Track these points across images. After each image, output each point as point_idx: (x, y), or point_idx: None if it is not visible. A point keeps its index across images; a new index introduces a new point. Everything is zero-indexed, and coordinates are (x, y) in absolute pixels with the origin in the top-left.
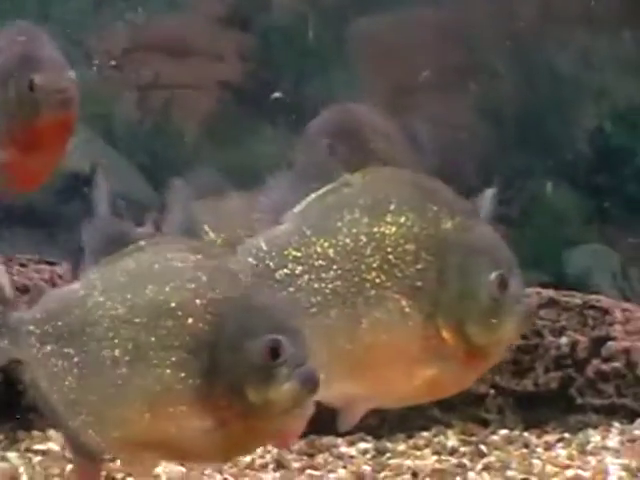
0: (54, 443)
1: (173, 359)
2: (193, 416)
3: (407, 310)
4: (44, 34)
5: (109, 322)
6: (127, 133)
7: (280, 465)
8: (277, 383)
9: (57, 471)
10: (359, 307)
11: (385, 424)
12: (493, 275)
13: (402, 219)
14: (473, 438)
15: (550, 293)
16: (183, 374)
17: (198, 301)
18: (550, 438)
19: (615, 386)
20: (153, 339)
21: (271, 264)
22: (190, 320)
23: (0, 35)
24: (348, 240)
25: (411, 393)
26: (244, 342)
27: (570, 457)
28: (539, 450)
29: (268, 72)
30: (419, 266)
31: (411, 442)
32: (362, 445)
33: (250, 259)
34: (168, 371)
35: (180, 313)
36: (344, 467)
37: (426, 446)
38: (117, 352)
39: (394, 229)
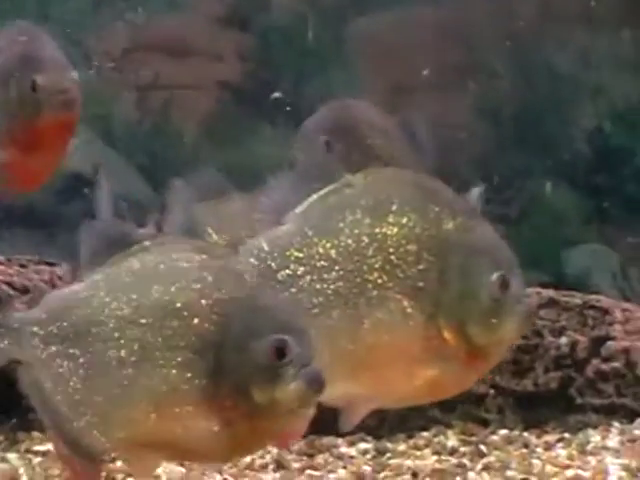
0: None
1: (179, 359)
2: (199, 416)
3: (409, 310)
4: (45, 34)
5: (115, 322)
6: (126, 133)
7: (280, 465)
8: (283, 383)
9: (57, 472)
10: (361, 308)
11: (385, 424)
12: (495, 276)
13: (404, 220)
14: (473, 438)
15: (550, 293)
16: (189, 374)
17: (204, 301)
18: (550, 438)
19: (615, 386)
20: (159, 339)
21: (273, 265)
22: (196, 320)
23: (1, 35)
24: (350, 241)
25: (413, 393)
26: (250, 342)
27: (570, 457)
28: (539, 450)
29: (267, 72)
30: (421, 267)
31: (411, 442)
32: (362, 445)
33: (252, 260)
34: (174, 371)
35: (186, 313)
36: (344, 467)
37: (426, 446)
38: (123, 352)
39: (396, 230)
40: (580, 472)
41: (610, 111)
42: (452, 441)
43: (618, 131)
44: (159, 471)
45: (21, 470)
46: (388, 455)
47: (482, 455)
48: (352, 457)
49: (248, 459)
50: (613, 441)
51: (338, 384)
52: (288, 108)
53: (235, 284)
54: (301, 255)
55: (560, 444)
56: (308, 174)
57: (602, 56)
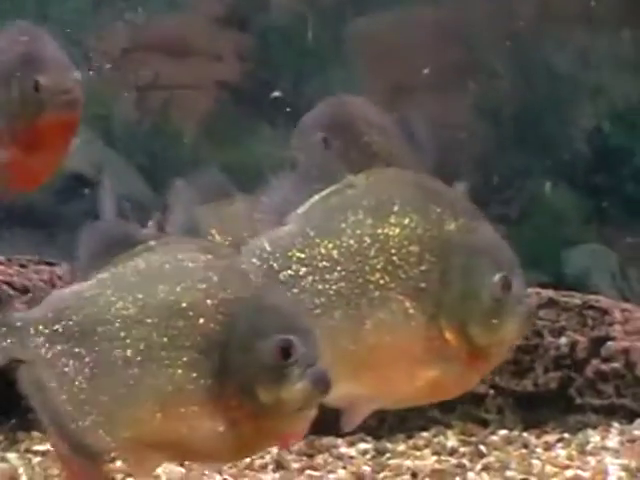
0: None
1: (184, 359)
2: (204, 416)
3: (411, 311)
4: (46, 34)
5: (120, 322)
6: (126, 133)
7: (280, 466)
8: (288, 383)
9: (56, 472)
10: (363, 308)
11: (385, 424)
12: (497, 277)
13: (406, 220)
14: (473, 438)
15: (549, 293)
16: (194, 374)
17: (209, 301)
18: (549, 438)
19: (614, 386)
20: (165, 339)
21: (275, 265)
22: (201, 320)
23: (1, 35)
24: (352, 241)
25: (414, 394)
26: (255, 342)
27: (570, 457)
28: (539, 450)
29: (267, 72)
30: (423, 267)
31: (411, 442)
32: (362, 445)
33: (254, 260)
34: (179, 371)
35: (191, 313)
36: (344, 467)
37: (426, 446)
38: (129, 352)
39: (398, 230)
40: (580, 472)
41: (609, 111)
42: (452, 441)
43: (617, 131)
44: (159, 471)
45: (21, 470)
46: (388, 455)
47: (482, 455)
48: (352, 457)
49: (248, 459)
50: (613, 441)
51: (340, 384)
52: (287, 108)
53: (240, 284)
54: (303, 256)
55: (560, 444)
56: (309, 174)
57: (602, 56)
